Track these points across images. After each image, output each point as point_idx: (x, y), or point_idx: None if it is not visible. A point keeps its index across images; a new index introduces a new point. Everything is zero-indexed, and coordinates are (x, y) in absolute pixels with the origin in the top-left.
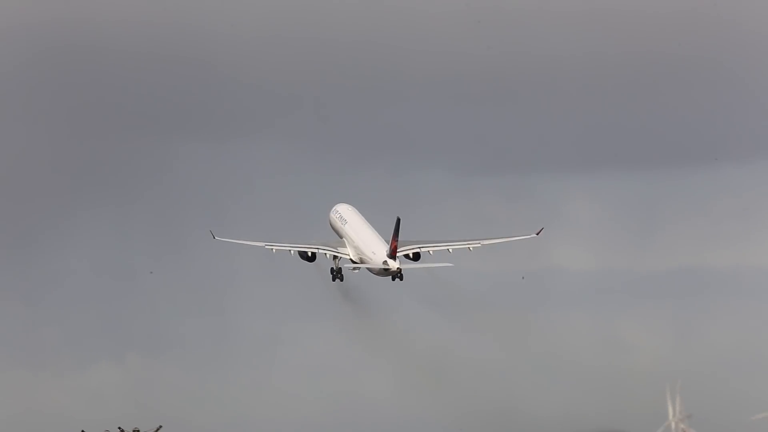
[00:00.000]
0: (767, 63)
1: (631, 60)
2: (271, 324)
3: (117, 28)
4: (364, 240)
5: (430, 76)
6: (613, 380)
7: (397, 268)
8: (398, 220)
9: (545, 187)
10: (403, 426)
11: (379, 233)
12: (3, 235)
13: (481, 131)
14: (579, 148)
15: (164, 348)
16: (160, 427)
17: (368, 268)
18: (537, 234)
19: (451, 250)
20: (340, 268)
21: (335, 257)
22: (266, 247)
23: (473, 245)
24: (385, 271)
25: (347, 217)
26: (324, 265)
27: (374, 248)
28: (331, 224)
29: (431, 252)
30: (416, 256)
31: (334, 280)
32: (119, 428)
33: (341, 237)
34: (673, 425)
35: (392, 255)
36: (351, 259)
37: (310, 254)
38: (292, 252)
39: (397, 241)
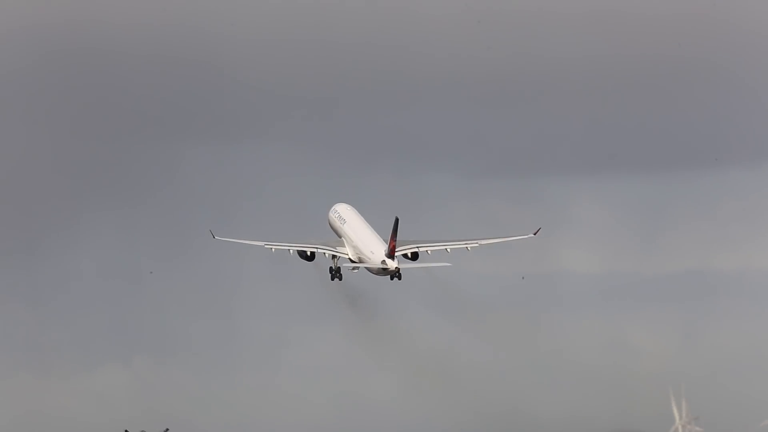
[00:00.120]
0: None
1: (635, 63)
2: (272, 325)
3: (124, 31)
4: (362, 240)
5: (434, 79)
6: (620, 383)
7: (396, 267)
8: (396, 220)
9: (549, 190)
10: (407, 428)
11: (382, 234)
12: (10, 238)
13: (485, 134)
14: (583, 151)
15: (169, 350)
16: (167, 430)
17: (367, 268)
18: (534, 234)
19: (449, 250)
20: (339, 268)
21: (334, 257)
22: (266, 246)
23: (471, 245)
24: (384, 271)
25: (346, 216)
26: (323, 264)
27: (373, 248)
28: (330, 224)
29: (429, 252)
30: (414, 256)
31: (333, 279)
32: (125, 431)
33: (340, 237)
34: (680, 429)
35: (391, 255)
36: (350, 259)
37: (309, 253)
38: (291, 251)
39: (396, 240)
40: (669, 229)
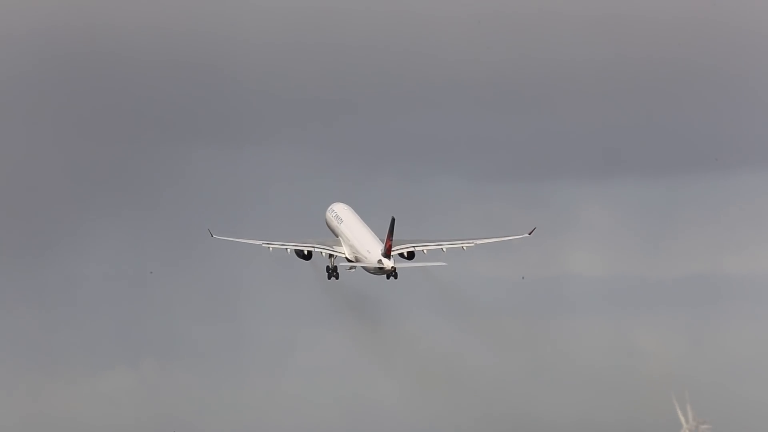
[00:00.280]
0: None
1: (641, 66)
2: (272, 326)
3: (129, 35)
4: (359, 239)
5: (439, 82)
6: (626, 386)
7: (392, 267)
8: (393, 220)
9: (554, 193)
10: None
11: (379, 234)
12: (16, 241)
13: (490, 137)
14: (589, 154)
15: (174, 353)
16: None
17: (363, 267)
18: (529, 234)
19: (445, 250)
20: (336, 267)
21: (331, 256)
22: (263, 245)
23: (467, 244)
24: (380, 270)
25: (343, 216)
26: (320, 263)
27: (369, 247)
28: (327, 223)
29: (425, 251)
30: (411, 255)
31: (329, 278)
32: None
33: (337, 236)
34: None
35: (387, 254)
36: (347, 258)
37: (306, 252)
38: (288, 250)
39: (392, 240)
40: (675, 232)
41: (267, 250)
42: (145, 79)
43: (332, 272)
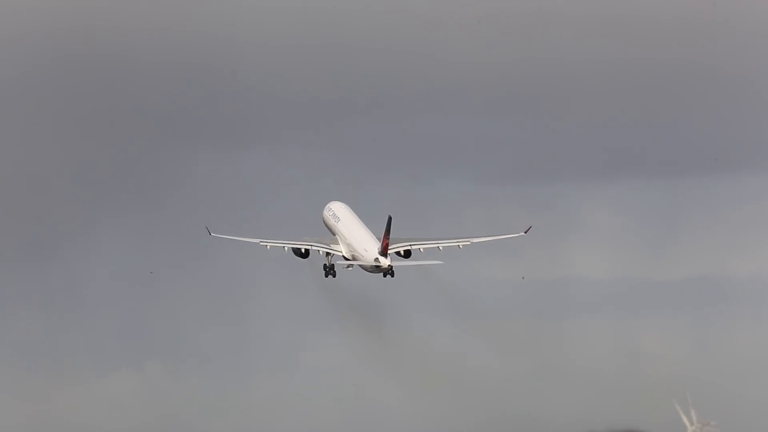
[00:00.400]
0: None
1: (650, 67)
2: (269, 324)
3: (134, 37)
4: (356, 237)
5: (444, 83)
6: (632, 389)
7: (389, 265)
8: (389, 219)
9: (559, 195)
10: None
11: (376, 232)
12: (20, 243)
13: (494, 139)
14: (594, 156)
15: (179, 356)
16: None
17: (360, 265)
18: (525, 232)
19: (441, 248)
20: (333, 265)
21: (328, 254)
22: (261, 243)
23: (463, 243)
24: (377, 269)
25: (340, 214)
26: (317, 261)
27: (366, 246)
28: (324, 222)
29: (422, 250)
30: (407, 254)
31: (326, 276)
32: None
33: (334, 234)
34: None
35: (384, 252)
36: (344, 256)
37: (303, 251)
38: (286, 249)
39: (389, 239)
40: (679, 234)
41: (264, 249)
42: (146, 80)
43: (329, 270)
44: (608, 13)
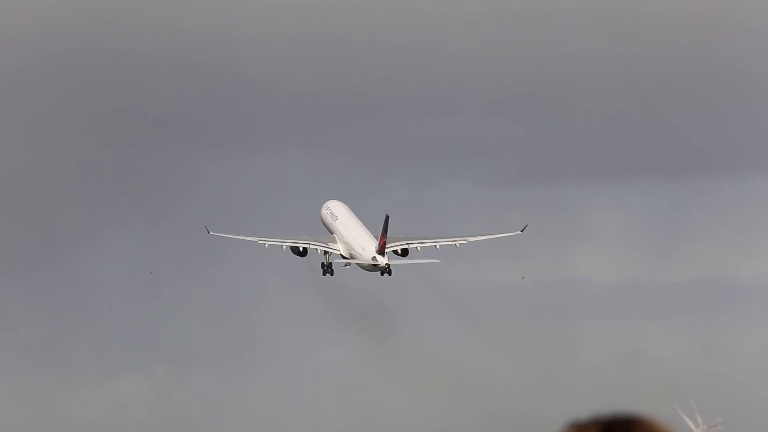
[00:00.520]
0: None
1: (657, 69)
2: (267, 322)
3: (136, 36)
4: (353, 236)
5: (448, 85)
6: (638, 392)
7: (386, 264)
8: (387, 218)
9: (565, 197)
10: None
11: (373, 231)
12: (28, 245)
13: (500, 141)
14: (601, 158)
15: (171, 353)
16: None
17: (358, 264)
18: (522, 231)
19: (438, 247)
20: (331, 264)
21: (326, 253)
22: (259, 242)
23: (459, 242)
24: (374, 267)
25: (338, 213)
26: (315, 260)
27: (364, 244)
28: (322, 220)
29: (419, 248)
30: (404, 252)
31: (324, 274)
32: None
33: (332, 233)
34: None
35: (381, 251)
36: (341, 255)
37: (301, 249)
38: (284, 247)
39: (386, 237)
40: (687, 236)
41: (263, 247)
42: (146, 80)
43: (327, 269)
44: (614, 15)
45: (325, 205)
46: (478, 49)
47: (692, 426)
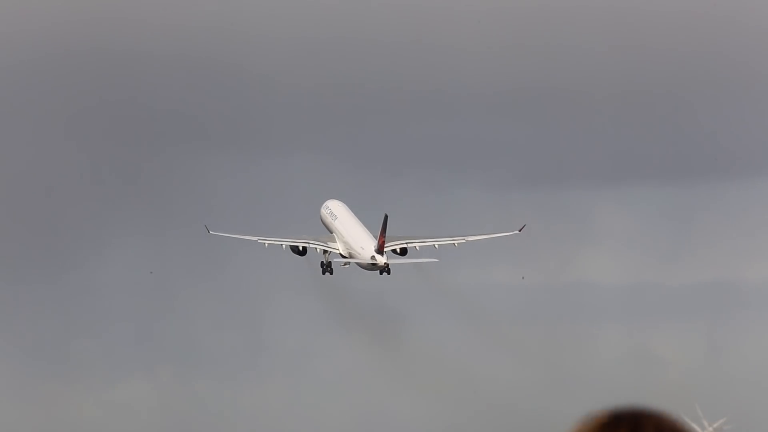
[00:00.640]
0: None
1: (663, 70)
2: (266, 321)
3: (143, 36)
4: (353, 235)
5: (453, 85)
6: (640, 394)
7: (385, 263)
8: (386, 217)
9: (572, 199)
10: None
11: (372, 230)
12: (28, 246)
13: (509, 144)
14: (607, 161)
15: (177, 356)
16: None
17: (357, 263)
18: (519, 230)
19: (437, 246)
20: (330, 263)
21: (325, 252)
22: (259, 241)
23: (458, 241)
24: (373, 266)
25: (337, 212)
26: (315, 259)
27: (363, 243)
28: (321, 219)
29: (417, 247)
30: (403, 252)
31: (324, 273)
32: None
33: (331, 232)
34: None
35: (380, 250)
36: (341, 254)
37: (301, 248)
38: (284, 246)
39: (385, 237)
40: (695, 239)
41: (263, 246)
42: (146, 79)
43: (326, 268)
44: (620, 16)
45: (324, 205)
46: (478, 50)
47: (699, 430)
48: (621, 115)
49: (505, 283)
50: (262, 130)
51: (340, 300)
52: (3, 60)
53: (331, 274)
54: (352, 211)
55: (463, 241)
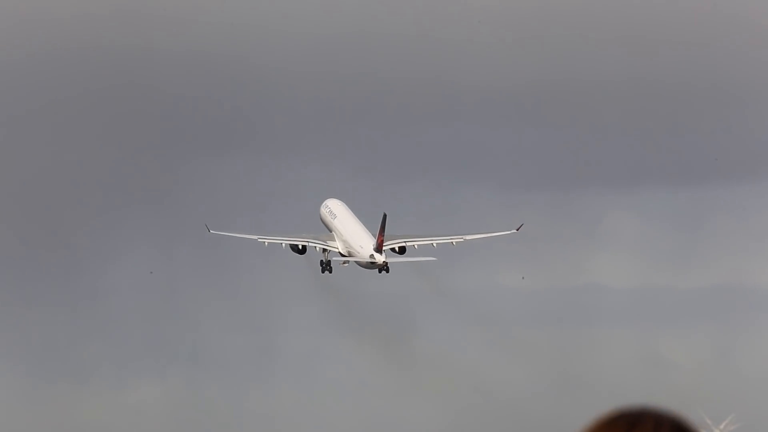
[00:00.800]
0: None
1: (672, 77)
2: (265, 319)
3: (143, 35)
4: (352, 234)
5: (470, 92)
6: (646, 398)
7: (383, 261)
8: (384, 216)
9: (582, 203)
10: None
11: (380, 231)
12: (44, 249)
13: (521, 147)
14: (617, 164)
15: (183, 358)
16: None
17: (356, 262)
18: (517, 230)
19: (435, 245)
20: (330, 261)
21: (325, 250)
22: (259, 240)
23: (456, 240)
24: (372, 265)
25: (337, 211)
26: (314, 257)
27: (362, 242)
28: (321, 218)
29: (416, 246)
30: (402, 250)
31: (323, 272)
32: None
33: (331, 231)
34: None
35: (378, 249)
36: (340, 253)
37: (300, 247)
38: (283, 245)
39: (384, 235)
40: (704, 242)
41: (263, 245)
42: (145, 79)
43: (326, 266)
44: (635, 27)
45: (324, 204)
46: (479, 50)
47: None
48: (625, 117)
49: (504, 283)
50: (262, 129)
51: (339, 298)
52: (6, 59)
53: (331, 272)
54: (352, 210)
55: (461, 240)
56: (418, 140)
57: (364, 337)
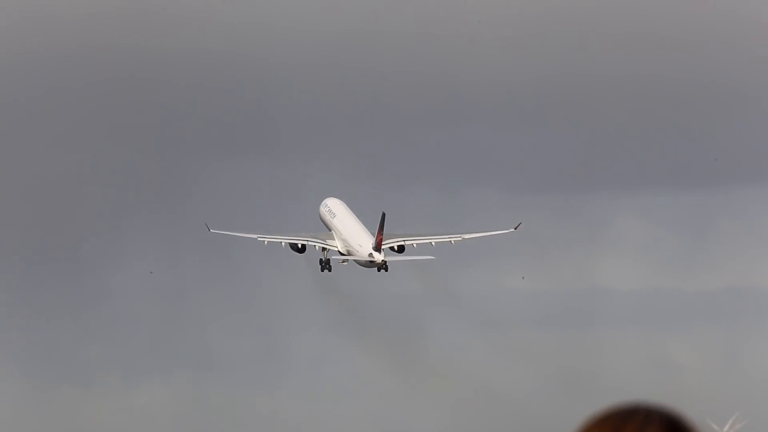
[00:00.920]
0: None
1: (681, 79)
2: (265, 318)
3: (143, 35)
4: (351, 233)
5: (471, 92)
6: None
7: (382, 260)
8: (383, 216)
9: (589, 205)
10: None
11: (379, 230)
12: (51, 252)
13: (524, 149)
14: (624, 166)
15: (182, 357)
16: None
17: (355, 260)
18: (515, 229)
19: (434, 244)
20: (329, 260)
21: (324, 249)
22: (258, 239)
23: (455, 239)
24: (371, 263)
25: (336, 210)
26: (314, 256)
27: (361, 241)
28: (320, 217)
29: (415, 245)
30: (401, 249)
31: (322, 270)
32: None
33: (330, 230)
34: None
35: (377, 248)
36: (339, 251)
37: (300, 246)
38: (283, 244)
39: (383, 234)
40: (711, 245)
41: (262, 244)
42: (145, 78)
43: (325, 265)
44: (642, 28)
45: (323, 203)
46: (479, 50)
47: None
48: (627, 118)
49: (504, 283)
50: (262, 129)
51: (338, 297)
52: (7, 58)
53: (330, 271)
54: (351, 209)
55: (460, 238)
56: (418, 140)
57: (362, 336)
